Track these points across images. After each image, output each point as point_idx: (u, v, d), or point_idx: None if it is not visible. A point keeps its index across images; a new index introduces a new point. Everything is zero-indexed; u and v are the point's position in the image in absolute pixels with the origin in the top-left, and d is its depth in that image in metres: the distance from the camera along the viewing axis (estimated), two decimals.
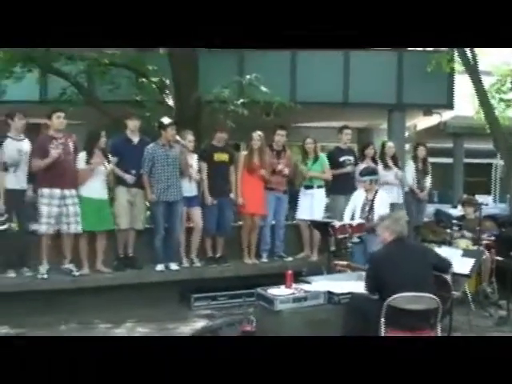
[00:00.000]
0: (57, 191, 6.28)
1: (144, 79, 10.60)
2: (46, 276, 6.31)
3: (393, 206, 7.30)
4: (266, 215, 7.52)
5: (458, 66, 11.74)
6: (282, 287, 5.02)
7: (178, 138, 7.01)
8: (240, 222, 7.71)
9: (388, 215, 4.81)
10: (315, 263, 7.29)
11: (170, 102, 9.98)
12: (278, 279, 5.27)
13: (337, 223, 6.50)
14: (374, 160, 8.10)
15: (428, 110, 13.47)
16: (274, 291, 4.92)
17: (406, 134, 14.65)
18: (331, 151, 8.40)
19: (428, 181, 8.59)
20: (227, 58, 12.97)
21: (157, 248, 6.94)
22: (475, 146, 15.88)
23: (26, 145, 6.40)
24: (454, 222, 7.49)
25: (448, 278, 4.67)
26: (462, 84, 12.48)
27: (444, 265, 4.64)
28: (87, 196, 6.52)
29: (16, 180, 6.28)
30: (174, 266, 6.97)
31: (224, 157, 7.34)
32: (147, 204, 7.09)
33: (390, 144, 8.60)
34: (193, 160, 7.15)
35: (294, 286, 5.04)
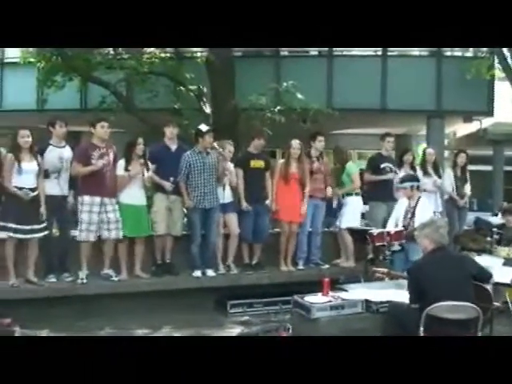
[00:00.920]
0: (97, 199, 6.37)
1: (182, 87, 10.76)
2: (85, 281, 6.41)
3: (433, 214, 7.18)
4: (303, 222, 7.49)
5: (498, 72, 11.54)
6: (319, 295, 4.99)
7: (215, 145, 7.05)
8: (276, 229, 7.70)
9: (428, 223, 4.72)
10: (352, 271, 7.22)
11: (207, 109, 10.08)
12: (315, 287, 5.24)
13: (375, 231, 6.43)
14: (412, 167, 8.01)
15: (468, 117, 13.28)
16: (311, 299, 4.89)
17: (446, 140, 14.44)
18: (372, 156, 8.34)
19: (467, 188, 8.44)
20: (263, 65, 13.06)
21: (194, 254, 6.98)
22: None
23: (67, 152, 6.51)
24: (494, 230, 7.35)
25: (489, 287, 4.57)
26: (503, 90, 12.27)
27: (484, 275, 4.53)
28: (126, 202, 6.61)
29: (57, 186, 6.39)
30: (210, 273, 7.00)
31: (260, 163, 7.35)
32: (185, 211, 7.15)
33: (431, 151, 8.49)
34: (229, 167, 7.18)
35: (330, 293, 5.01)
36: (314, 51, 14.25)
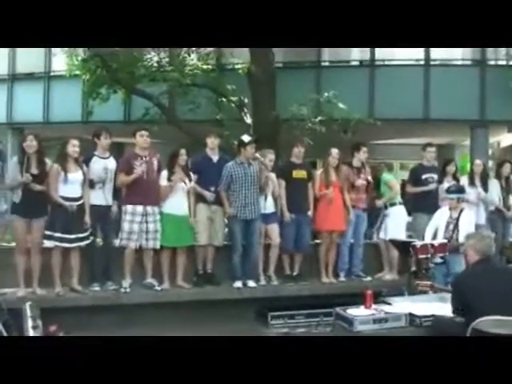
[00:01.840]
0: (139, 208, 6.46)
1: (223, 98, 10.85)
2: (128, 290, 6.50)
3: (476, 227, 7.04)
4: (344, 232, 7.42)
5: None
6: (362, 307, 4.94)
7: (257, 155, 7.07)
8: (317, 240, 7.66)
9: (474, 234, 4.63)
10: (395, 283, 7.11)
11: (249, 120, 10.13)
12: (356, 299, 5.18)
13: (418, 243, 6.32)
14: (455, 177, 7.87)
15: None
16: (354, 311, 4.84)
17: (490, 151, 14.15)
18: (414, 168, 8.24)
19: None
20: (304, 75, 13.08)
21: (235, 265, 6.98)
22: None
23: (111, 163, 6.63)
24: None
25: None
26: None
27: None
28: (168, 212, 6.68)
29: (102, 196, 6.51)
30: (251, 283, 7.00)
31: (302, 173, 7.33)
32: (226, 221, 7.18)
33: (479, 162, 8.36)
34: (272, 177, 7.18)
35: (373, 306, 4.95)
36: (354, 61, 14.20)
